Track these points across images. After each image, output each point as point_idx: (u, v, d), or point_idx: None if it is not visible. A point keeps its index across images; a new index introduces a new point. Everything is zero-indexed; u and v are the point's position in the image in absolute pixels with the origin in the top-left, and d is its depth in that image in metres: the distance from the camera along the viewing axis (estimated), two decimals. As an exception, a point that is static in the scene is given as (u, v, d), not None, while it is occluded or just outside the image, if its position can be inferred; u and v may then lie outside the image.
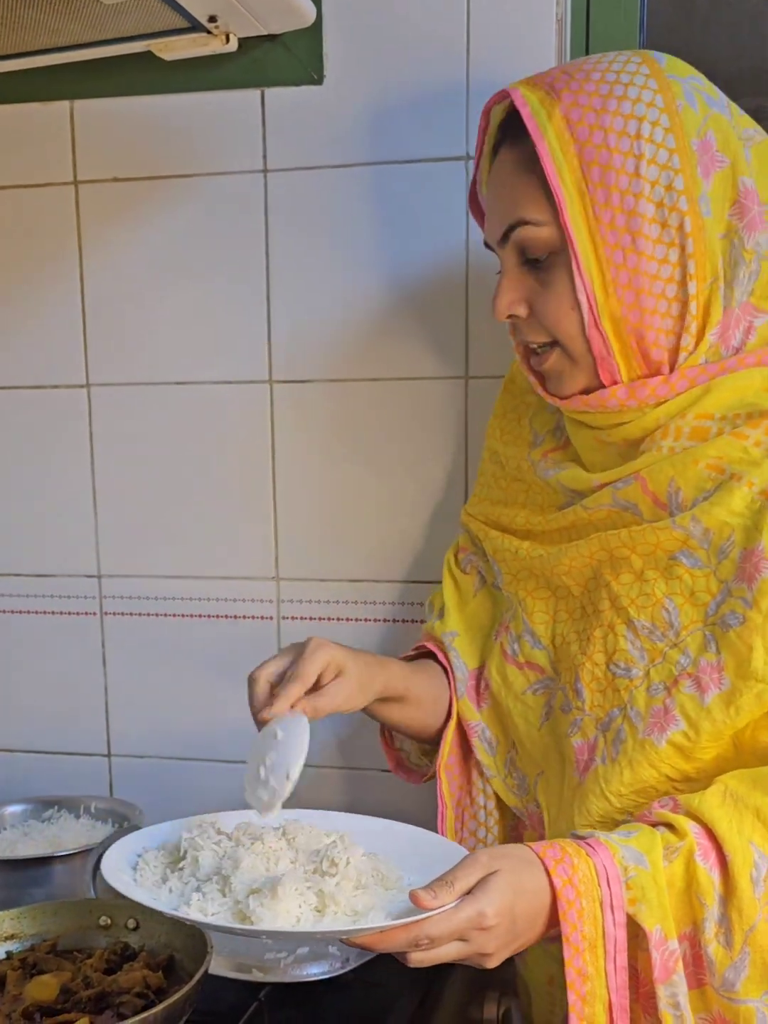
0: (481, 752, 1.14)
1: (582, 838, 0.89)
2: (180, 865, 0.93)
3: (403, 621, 1.38)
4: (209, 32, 1.20)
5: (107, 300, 1.40)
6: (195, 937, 1.00)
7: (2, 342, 1.45)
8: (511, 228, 0.98)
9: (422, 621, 1.37)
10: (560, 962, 0.85)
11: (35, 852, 1.28)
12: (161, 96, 1.34)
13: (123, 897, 0.88)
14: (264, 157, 1.33)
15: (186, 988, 0.95)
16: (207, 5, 1.14)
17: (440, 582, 1.25)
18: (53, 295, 1.42)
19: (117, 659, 1.48)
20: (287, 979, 1.11)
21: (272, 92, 1.31)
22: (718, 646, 0.92)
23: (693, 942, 0.87)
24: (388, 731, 1.23)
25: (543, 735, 1.08)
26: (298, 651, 1.01)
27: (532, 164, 0.95)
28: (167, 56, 1.24)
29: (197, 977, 0.97)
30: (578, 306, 0.96)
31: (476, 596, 1.20)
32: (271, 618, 1.42)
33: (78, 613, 1.48)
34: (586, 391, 1.00)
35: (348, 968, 1.12)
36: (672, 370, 0.96)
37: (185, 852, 0.94)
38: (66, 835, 1.33)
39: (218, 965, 1.09)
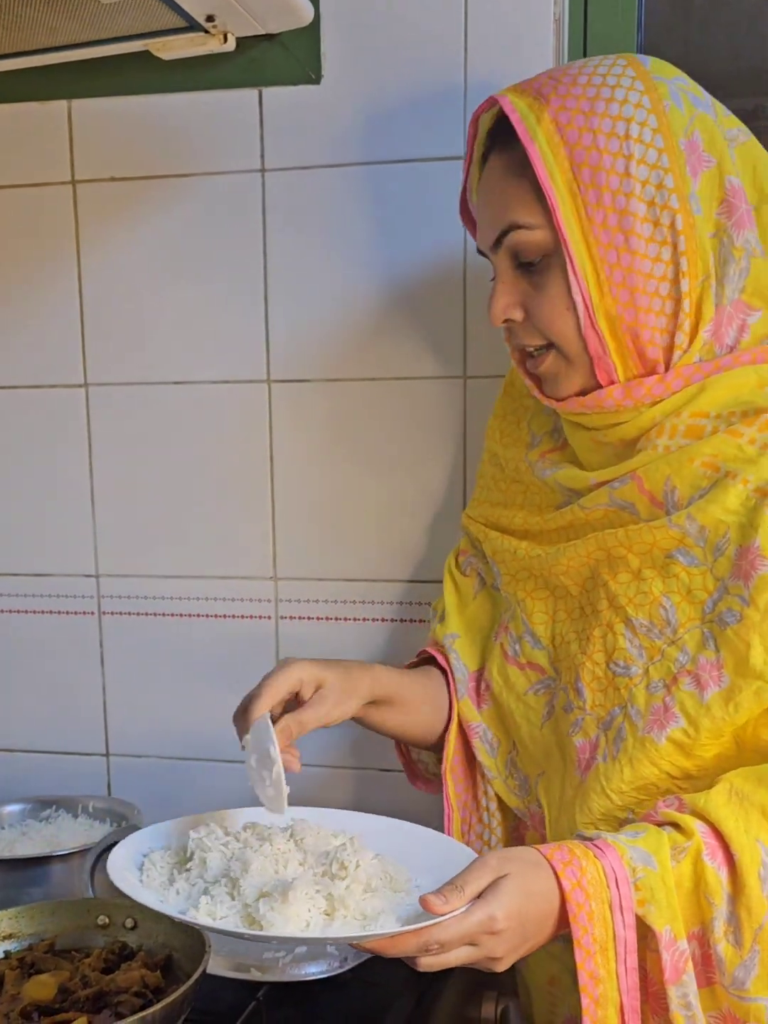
0: (482, 753, 1.14)
1: (589, 840, 0.88)
2: (187, 866, 0.92)
3: (402, 621, 1.38)
4: (207, 31, 1.20)
5: (105, 300, 1.40)
6: (193, 936, 1.00)
7: (0, 342, 1.45)
8: (504, 233, 0.99)
9: (421, 620, 1.37)
10: (562, 962, 0.86)
11: (33, 851, 1.28)
12: (159, 95, 1.34)
13: (129, 899, 0.87)
14: (262, 157, 1.33)
15: (184, 987, 0.95)
16: (205, 4, 1.14)
17: (438, 581, 1.25)
18: (51, 295, 1.42)
19: (115, 659, 1.48)
20: (285, 978, 1.11)
21: (270, 92, 1.31)
22: (716, 643, 0.93)
23: (702, 941, 0.87)
24: (404, 743, 1.23)
25: (545, 735, 1.08)
26: (269, 673, 1.01)
27: (522, 169, 0.96)
28: (165, 55, 1.24)
29: (195, 976, 0.97)
30: (573, 307, 0.96)
31: (476, 598, 1.20)
32: (269, 618, 1.42)
33: (76, 613, 1.48)
34: (582, 392, 1.01)
35: (346, 967, 1.12)
36: (667, 369, 0.97)
37: (192, 853, 0.93)
38: (64, 835, 1.34)
39: (216, 964, 1.09)
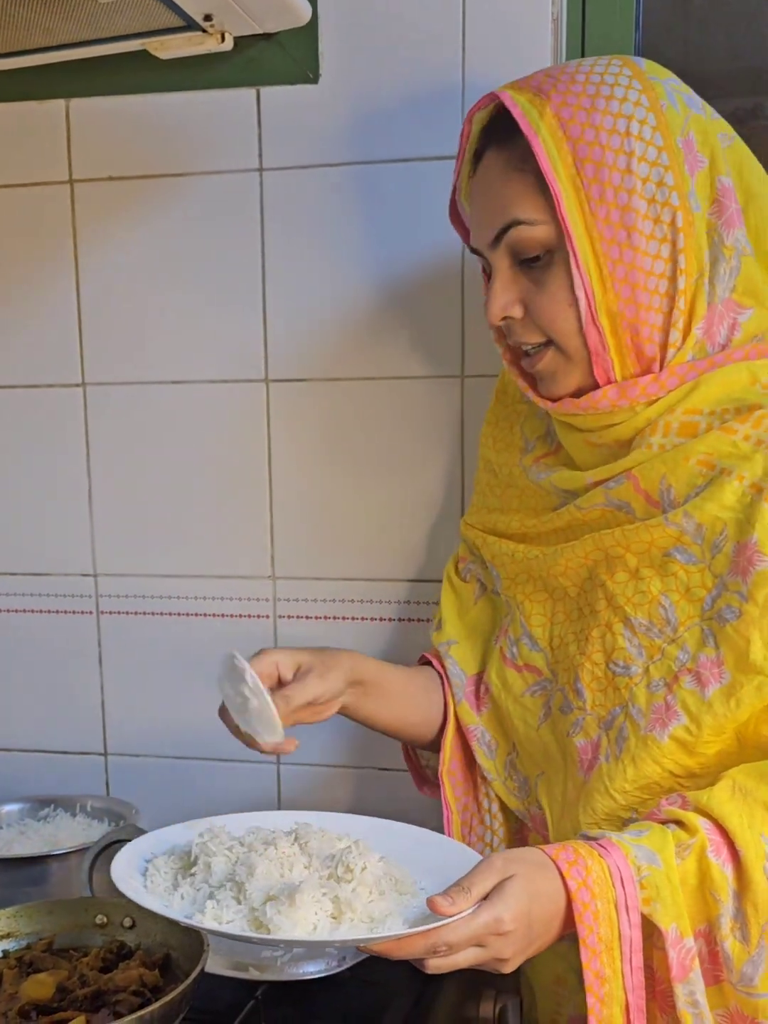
0: (481, 756, 1.14)
1: (594, 839, 0.88)
2: (191, 871, 0.92)
3: (400, 620, 1.38)
4: (204, 31, 1.20)
5: (103, 299, 1.40)
6: (191, 935, 1.00)
7: (-2, 341, 1.45)
8: (504, 229, 0.99)
9: (419, 620, 1.38)
10: (568, 962, 0.86)
11: (31, 851, 1.28)
12: (157, 95, 1.34)
13: (135, 905, 0.87)
14: (260, 156, 1.33)
15: (182, 986, 0.95)
16: (202, 4, 1.14)
17: (436, 580, 1.25)
18: (49, 294, 1.42)
19: (113, 658, 1.48)
20: (283, 977, 1.11)
21: (267, 91, 1.31)
22: (716, 640, 0.93)
23: (709, 939, 0.87)
24: (411, 748, 1.23)
25: (542, 736, 1.08)
26: None
27: (523, 164, 0.96)
28: (163, 55, 1.24)
29: (193, 975, 0.97)
30: (575, 303, 0.96)
31: (477, 603, 1.20)
32: (267, 617, 1.42)
33: (74, 612, 1.48)
34: (579, 391, 1.01)
35: (344, 966, 1.11)
36: (662, 367, 0.97)
37: (196, 858, 0.93)
38: (62, 834, 1.34)
39: (214, 963, 1.09)
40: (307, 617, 1.41)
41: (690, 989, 0.86)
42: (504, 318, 1.02)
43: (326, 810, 1.08)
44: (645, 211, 0.94)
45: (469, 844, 1.15)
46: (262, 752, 1.01)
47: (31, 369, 1.44)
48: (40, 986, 1.00)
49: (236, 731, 1.02)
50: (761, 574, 0.90)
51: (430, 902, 0.80)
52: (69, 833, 1.34)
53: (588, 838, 0.90)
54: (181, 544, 1.43)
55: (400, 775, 1.27)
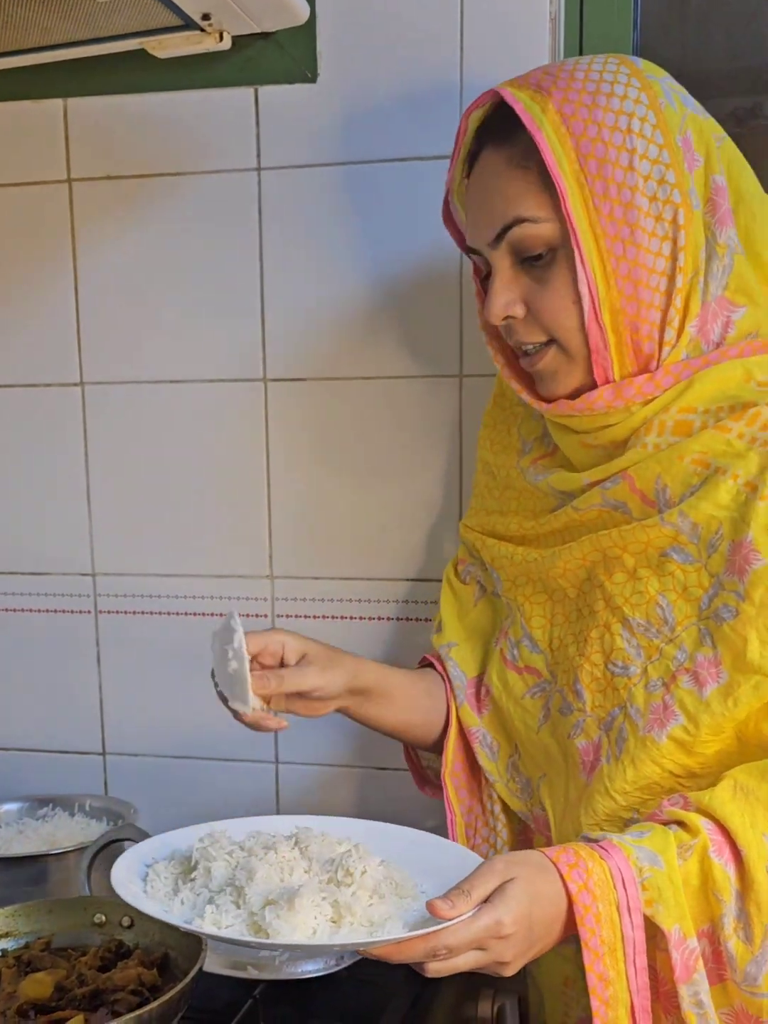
0: (483, 757, 1.14)
1: (595, 841, 0.88)
2: (192, 876, 0.92)
3: (398, 619, 1.38)
4: (202, 30, 1.20)
5: (101, 298, 1.40)
6: (189, 935, 1.00)
7: (-4, 340, 1.45)
8: (507, 228, 0.98)
9: (417, 619, 1.38)
10: (575, 964, 0.85)
11: (30, 850, 1.28)
12: (155, 94, 1.34)
13: (136, 910, 0.87)
14: (258, 155, 1.33)
15: (180, 986, 0.95)
16: (200, 3, 1.14)
17: (435, 580, 1.25)
18: (47, 293, 1.42)
19: (112, 657, 1.48)
20: (281, 977, 1.11)
21: (266, 90, 1.31)
22: (713, 640, 0.93)
23: (712, 939, 0.87)
24: (412, 749, 1.23)
25: (542, 738, 1.08)
26: None
27: (525, 161, 0.96)
28: (160, 54, 1.24)
29: (191, 975, 0.97)
30: (578, 301, 0.96)
31: (477, 605, 1.20)
32: (266, 616, 1.42)
33: (73, 611, 1.48)
34: (576, 391, 1.00)
35: (342, 966, 1.12)
36: (658, 366, 0.97)
37: (196, 862, 0.92)
38: (61, 833, 1.34)
39: (212, 963, 1.09)
40: (305, 616, 1.41)
41: (694, 990, 0.85)
42: (506, 318, 1.01)
43: (325, 809, 1.08)
44: (648, 209, 0.94)
45: (473, 846, 1.15)
46: (243, 723, 1.01)
47: (29, 368, 1.44)
48: (38, 985, 1.01)
49: (221, 698, 1.02)
50: (757, 573, 0.89)
51: (430, 906, 0.79)
52: (67, 832, 1.34)
53: (589, 840, 0.90)
54: (179, 543, 1.43)
55: (400, 774, 1.27)
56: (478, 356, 1.31)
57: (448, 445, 1.34)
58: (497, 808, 1.16)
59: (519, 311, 1.00)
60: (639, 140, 0.93)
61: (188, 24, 1.18)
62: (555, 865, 0.85)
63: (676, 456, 0.95)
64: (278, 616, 1.42)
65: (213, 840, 0.94)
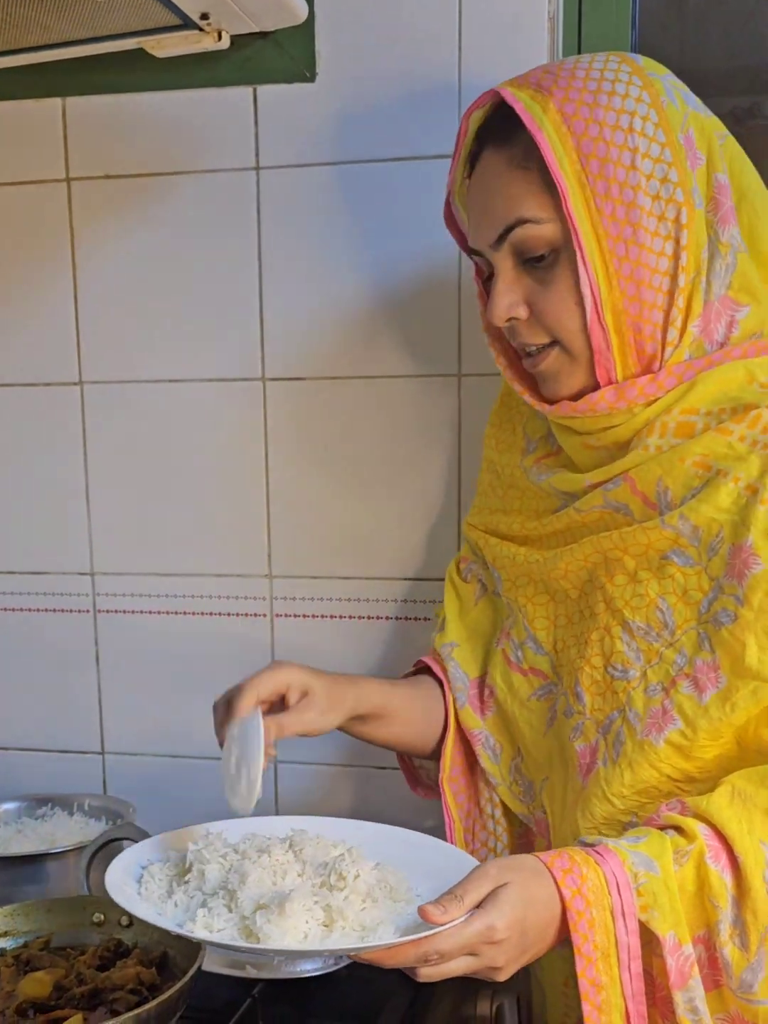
0: (486, 760, 1.13)
1: (591, 846, 0.88)
2: (186, 878, 0.92)
3: (396, 618, 1.39)
4: (201, 29, 1.20)
5: (100, 297, 1.40)
6: (187, 935, 1.00)
7: (-5, 340, 1.45)
8: (509, 229, 0.97)
9: (415, 618, 1.38)
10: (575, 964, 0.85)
11: (29, 849, 1.28)
12: (153, 93, 1.34)
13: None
14: (256, 154, 1.33)
15: (179, 984, 0.96)
16: (199, 2, 1.14)
17: (433, 579, 1.25)
18: (46, 292, 1.42)
19: (110, 657, 1.48)
20: (280, 976, 1.12)
21: (264, 89, 1.31)
22: (712, 644, 0.92)
23: (708, 945, 0.86)
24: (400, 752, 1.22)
25: (548, 740, 1.07)
26: (259, 671, 1.02)
27: (526, 161, 0.95)
28: (159, 53, 1.24)
29: (190, 974, 0.97)
30: (581, 302, 0.95)
31: (477, 604, 1.19)
32: (264, 615, 1.42)
33: (71, 611, 1.48)
34: (579, 392, 0.99)
35: (341, 965, 1.12)
36: (661, 367, 0.96)
37: (191, 865, 0.92)
38: (60, 832, 1.34)
39: (211, 962, 1.09)
40: (303, 616, 1.41)
41: (690, 996, 0.85)
42: (509, 319, 1.00)
43: (324, 808, 1.08)
44: (650, 208, 0.93)
45: (473, 850, 1.15)
46: None
47: (28, 367, 1.44)
48: (37, 984, 1.01)
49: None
50: (756, 577, 0.89)
51: (421, 911, 0.79)
52: (66, 832, 1.34)
53: (585, 845, 0.89)
54: (178, 542, 1.43)
55: (399, 774, 1.27)
56: (476, 355, 1.31)
57: (447, 444, 1.34)
58: (497, 812, 1.15)
59: (522, 312, 0.99)
60: (641, 139, 0.93)
61: (187, 23, 1.18)
62: (549, 870, 0.84)
63: (677, 458, 0.94)
64: (276, 615, 1.42)
65: (208, 842, 0.94)
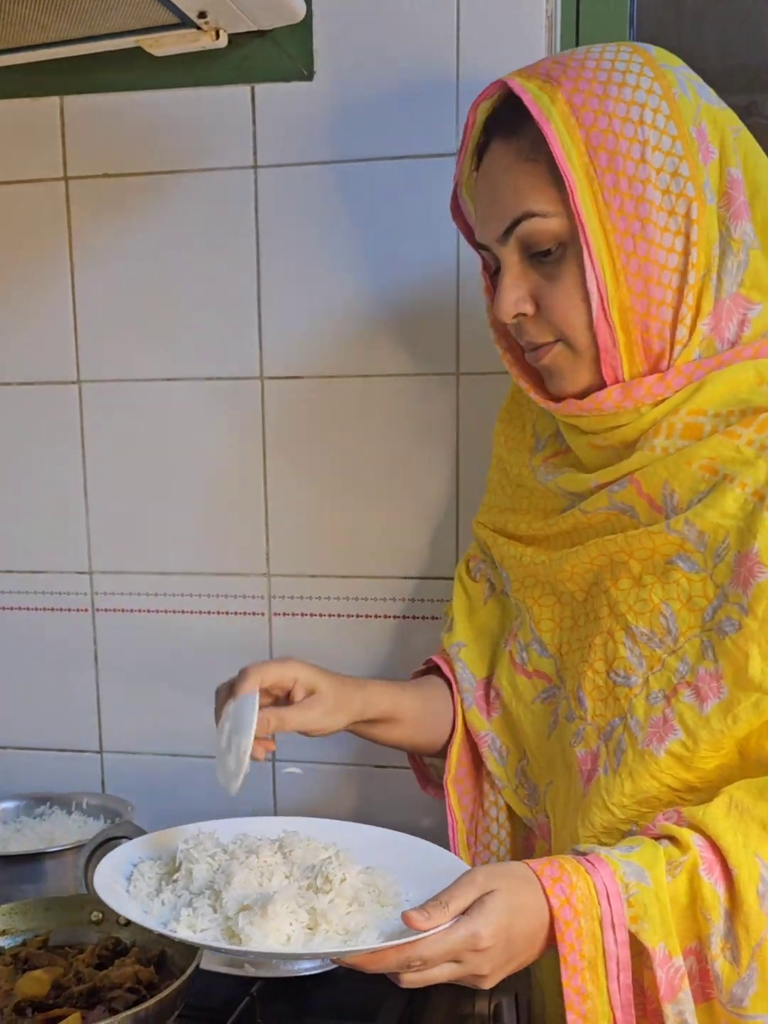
0: (491, 762, 1.12)
1: (583, 854, 0.87)
2: (175, 877, 0.91)
3: (394, 616, 1.38)
4: (199, 28, 1.19)
5: (98, 296, 1.40)
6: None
7: (-7, 338, 1.45)
8: (515, 223, 0.95)
9: (414, 616, 1.38)
10: None
11: (27, 848, 1.28)
12: (151, 92, 1.34)
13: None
14: (254, 153, 1.33)
15: (177, 983, 0.96)
16: (197, 1, 1.14)
17: (432, 577, 1.24)
18: (44, 291, 1.42)
19: (108, 655, 1.48)
20: (279, 974, 1.12)
21: (262, 88, 1.31)
22: (715, 653, 0.90)
23: (699, 957, 0.85)
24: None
25: (551, 744, 1.06)
26: (268, 660, 1.01)
27: (533, 153, 0.93)
28: (157, 52, 1.24)
29: (188, 972, 0.97)
30: (588, 298, 0.92)
31: (486, 604, 1.17)
32: (262, 614, 1.42)
33: (69, 609, 1.48)
34: (586, 390, 0.97)
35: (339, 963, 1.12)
36: (669, 365, 0.94)
37: (180, 864, 0.92)
38: (58, 831, 1.34)
39: (210, 960, 1.09)
40: (301, 614, 1.41)
41: (679, 1009, 0.83)
42: (516, 315, 0.98)
43: (323, 808, 1.08)
44: (660, 202, 0.90)
45: (474, 853, 1.14)
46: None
47: (26, 366, 1.44)
48: (36, 983, 1.01)
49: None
50: (761, 586, 0.87)
51: (405, 916, 0.78)
52: (65, 830, 1.34)
53: (578, 853, 0.88)
54: (176, 541, 1.43)
55: (398, 773, 1.27)
56: (475, 354, 1.31)
57: (445, 443, 1.34)
58: (501, 814, 1.14)
59: (528, 309, 0.97)
60: (651, 131, 0.90)
61: (184, 22, 1.17)
62: (538, 878, 0.83)
63: (684, 461, 0.92)
64: (275, 614, 1.42)
65: (198, 841, 0.94)
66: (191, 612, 1.44)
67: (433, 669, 1.19)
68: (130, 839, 1.11)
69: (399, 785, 1.37)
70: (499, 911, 0.80)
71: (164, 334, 1.39)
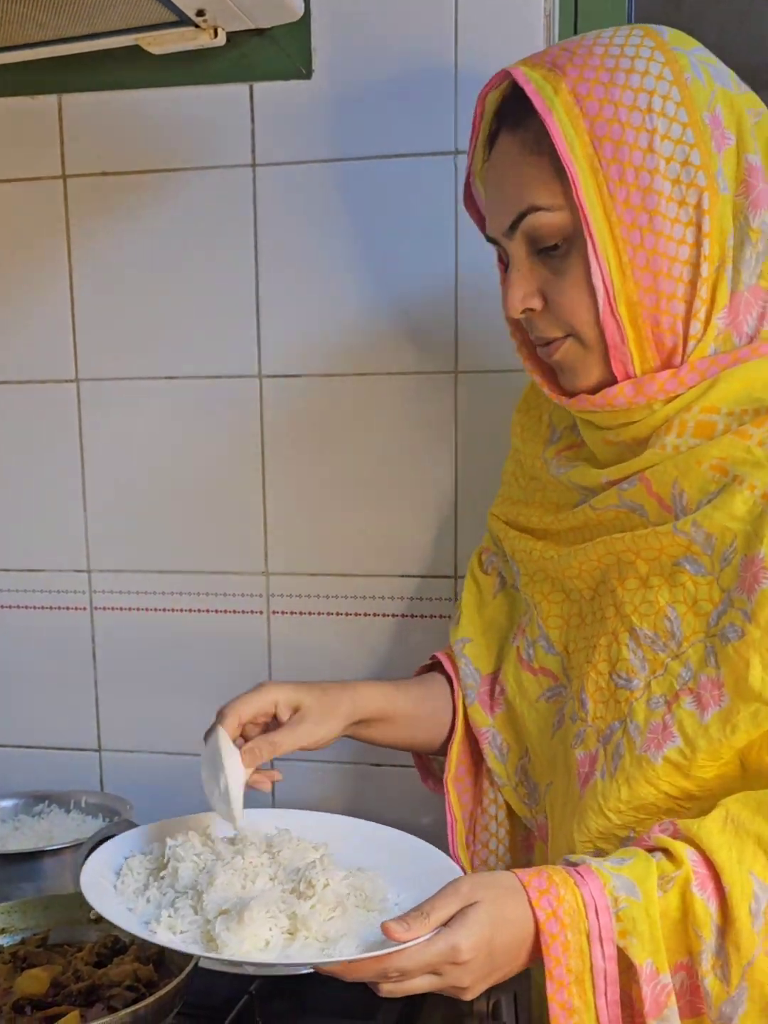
0: (492, 759, 1.11)
1: (574, 865, 0.85)
2: (162, 873, 0.91)
3: (393, 615, 1.38)
4: (197, 26, 1.20)
5: (96, 294, 1.40)
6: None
7: (-9, 337, 1.45)
8: (520, 216, 0.92)
9: (412, 615, 1.38)
10: None
11: (26, 846, 1.28)
12: (149, 90, 1.34)
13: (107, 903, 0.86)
14: (253, 151, 1.33)
15: (176, 981, 0.96)
16: (195, -1, 1.14)
17: (431, 576, 1.24)
18: (42, 290, 1.41)
19: (107, 654, 1.48)
20: (277, 972, 1.11)
21: (260, 86, 1.31)
22: (718, 660, 0.88)
23: (690, 972, 0.83)
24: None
25: (554, 744, 1.04)
26: (243, 693, 1.00)
27: (538, 146, 0.90)
28: (155, 50, 1.24)
29: (187, 970, 0.97)
30: (594, 293, 0.90)
31: (495, 598, 1.15)
32: (260, 612, 1.42)
33: (68, 608, 1.48)
34: (598, 385, 0.94)
35: (338, 961, 1.11)
36: (683, 361, 0.91)
37: (168, 861, 0.91)
38: (57, 829, 1.34)
39: (209, 958, 1.09)
40: (300, 613, 1.41)
41: None
42: (524, 311, 0.96)
43: (320, 805, 1.07)
44: (669, 192, 0.87)
45: (473, 852, 1.13)
46: None
47: (24, 365, 1.44)
48: (34, 981, 1.01)
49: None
50: (765, 592, 0.84)
51: (384, 927, 0.77)
52: (63, 829, 1.34)
53: (569, 863, 0.86)
54: (174, 540, 1.43)
55: (396, 771, 1.27)
56: (474, 352, 1.31)
57: (443, 441, 1.34)
58: (501, 813, 1.13)
59: (536, 304, 0.95)
60: (660, 119, 0.87)
61: (183, 20, 1.17)
62: (525, 889, 0.82)
63: (694, 460, 0.89)
64: (273, 612, 1.42)
65: (187, 839, 0.93)
66: (189, 610, 1.44)
67: (437, 665, 1.18)
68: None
69: (397, 783, 1.37)
70: (481, 923, 0.79)
71: (162, 332, 1.39)
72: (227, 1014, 1.06)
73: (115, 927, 0.85)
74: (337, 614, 1.40)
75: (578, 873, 0.83)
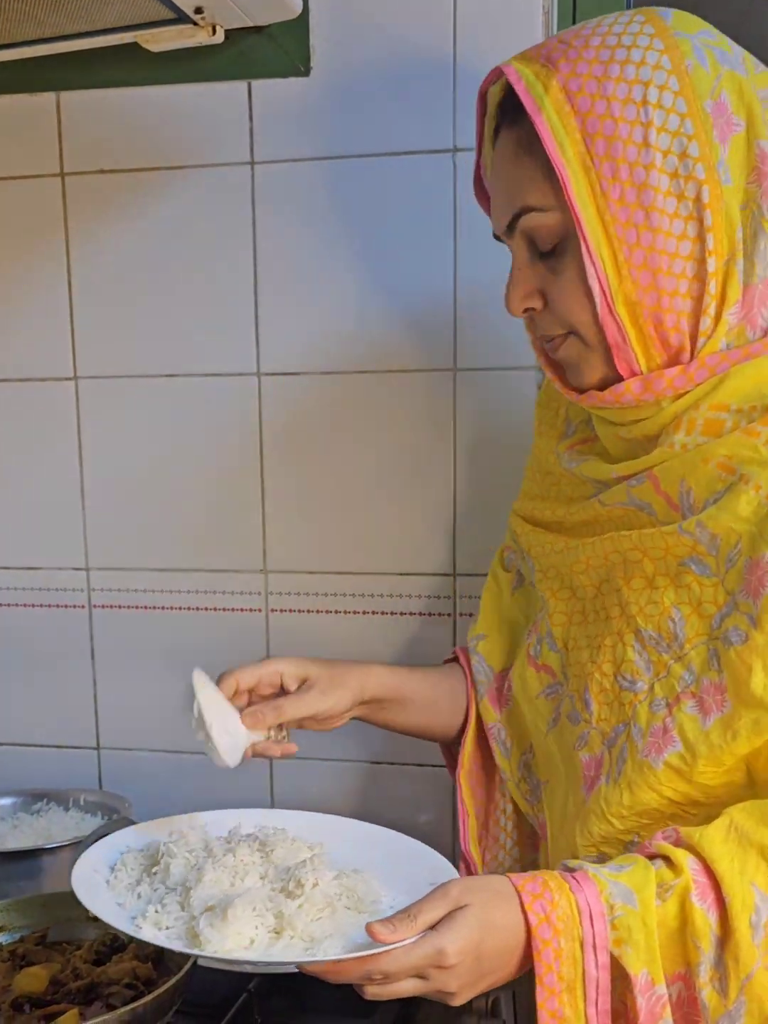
0: (498, 755, 1.11)
1: (571, 871, 0.83)
2: (154, 870, 0.91)
3: (392, 613, 1.38)
4: (195, 24, 1.19)
5: (94, 292, 1.40)
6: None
7: (-11, 335, 1.45)
8: (516, 217, 0.92)
9: (412, 613, 1.38)
10: None
11: (24, 844, 1.28)
12: (148, 88, 1.33)
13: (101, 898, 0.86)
14: (251, 149, 1.33)
15: (175, 979, 0.96)
16: (194, -4, 1.14)
17: (430, 574, 1.24)
18: (40, 288, 1.41)
19: (106, 652, 1.48)
20: (277, 970, 1.11)
21: (259, 84, 1.31)
22: (721, 664, 0.86)
23: (687, 983, 0.81)
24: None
25: (549, 742, 1.03)
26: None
27: (531, 144, 0.88)
28: (154, 48, 1.24)
29: (186, 968, 0.97)
30: (591, 293, 0.88)
31: (513, 595, 1.15)
32: (259, 611, 1.42)
33: (66, 606, 1.48)
34: (605, 381, 0.93)
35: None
36: (692, 357, 0.88)
37: (162, 857, 0.91)
38: (55, 828, 1.34)
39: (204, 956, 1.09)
40: (299, 611, 1.41)
41: None
42: (526, 310, 0.95)
43: (320, 804, 1.07)
44: (667, 187, 0.85)
45: (483, 848, 1.13)
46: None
47: (23, 363, 1.44)
48: (33, 979, 1.01)
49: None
50: None
51: (369, 928, 0.77)
52: (62, 827, 1.34)
53: (567, 868, 0.84)
54: (173, 538, 1.43)
55: (396, 769, 1.26)
56: (473, 350, 1.31)
57: (442, 439, 1.34)
58: (509, 808, 1.13)
59: (537, 303, 0.94)
60: (656, 111, 0.84)
61: (181, 18, 1.17)
62: (518, 893, 0.80)
63: (701, 459, 0.87)
64: (272, 610, 1.42)
65: (181, 836, 0.93)
66: (188, 608, 1.44)
67: (456, 660, 1.18)
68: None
69: (397, 782, 1.38)
70: (469, 927, 0.78)
71: (161, 330, 1.39)
72: (226, 1012, 1.06)
73: (102, 922, 0.84)
74: (336, 612, 1.40)
75: (574, 878, 0.82)
